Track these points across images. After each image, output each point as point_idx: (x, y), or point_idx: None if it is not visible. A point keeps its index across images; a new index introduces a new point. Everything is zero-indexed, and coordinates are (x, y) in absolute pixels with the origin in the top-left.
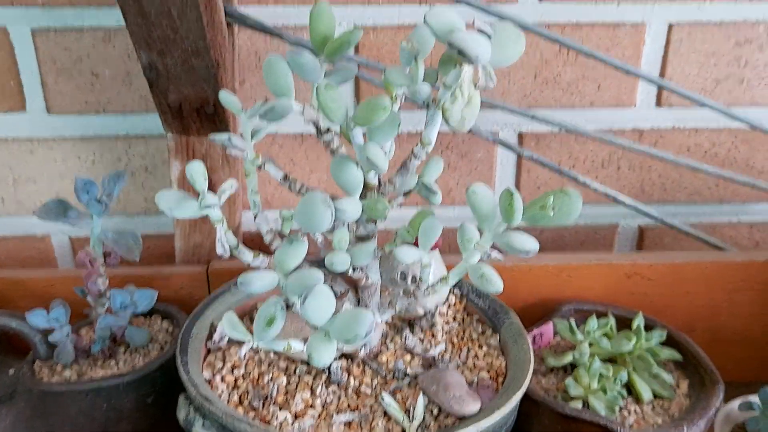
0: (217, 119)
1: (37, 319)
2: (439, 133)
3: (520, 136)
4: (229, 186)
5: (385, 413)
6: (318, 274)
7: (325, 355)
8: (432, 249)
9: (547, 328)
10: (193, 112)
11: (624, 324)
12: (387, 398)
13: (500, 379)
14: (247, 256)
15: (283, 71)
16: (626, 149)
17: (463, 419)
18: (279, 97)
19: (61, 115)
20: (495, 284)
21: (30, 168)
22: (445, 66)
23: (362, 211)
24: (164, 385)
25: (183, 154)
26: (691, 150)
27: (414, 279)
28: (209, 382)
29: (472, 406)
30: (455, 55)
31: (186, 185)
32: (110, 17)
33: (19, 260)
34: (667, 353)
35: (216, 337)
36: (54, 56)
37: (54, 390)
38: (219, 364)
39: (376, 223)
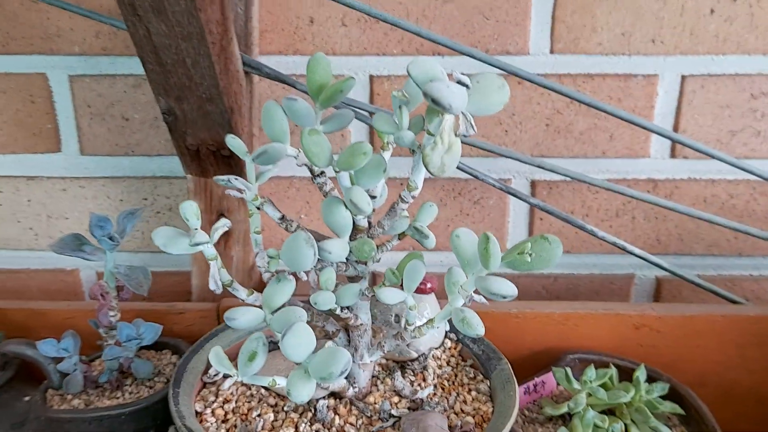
0: (232, 162)
1: (48, 348)
2: (452, 179)
3: (533, 184)
4: (221, 225)
5: None
6: (301, 313)
7: (303, 391)
8: (428, 292)
9: (550, 377)
10: (210, 155)
11: (628, 375)
12: None
13: (485, 425)
14: (241, 293)
15: (278, 117)
16: (636, 199)
17: None
18: (274, 141)
19: (93, 156)
20: (475, 328)
21: (62, 205)
22: (429, 114)
23: (350, 252)
24: (165, 418)
25: (201, 195)
26: (708, 201)
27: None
28: (200, 414)
29: None
30: (431, 104)
31: (203, 225)
32: (141, 66)
33: (49, 292)
34: (668, 407)
35: (211, 371)
36: (88, 101)
37: (60, 417)
38: (211, 398)
39: (366, 264)
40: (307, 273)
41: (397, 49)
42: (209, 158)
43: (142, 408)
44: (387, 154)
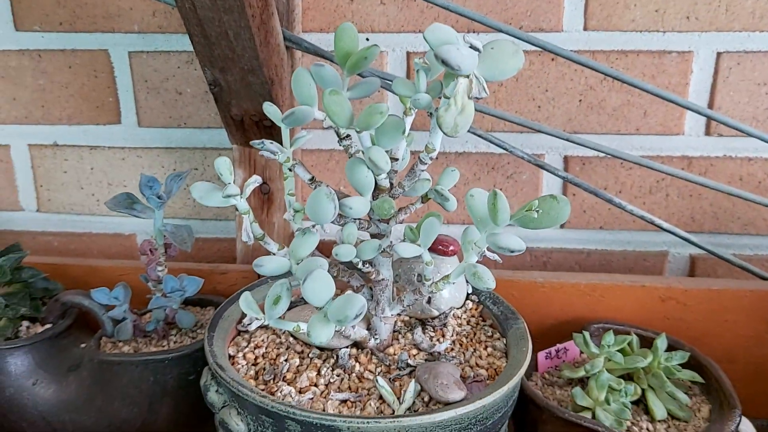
0: (274, 132)
1: (100, 296)
2: (485, 154)
3: (566, 160)
4: (253, 180)
5: (380, 396)
6: (322, 262)
7: (322, 333)
8: (450, 254)
9: (572, 344)
10: (254, 125)
11: (651, 345)
12: (381, 381)
13: (497, 378)
14: (272, 246)
15: (306, 82)
16: (670, 176)
17: (447, 405)
18: (303, 105)
19: (149, 128)
20: (486, 282)
21: (121, 173)
22: (446, 79)
23: (372, 210)
24: (205, 364)
25: (246, 165)
26: (744, 180)
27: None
28: (233, 357)
29: (456, 395)
30: (441, 65)
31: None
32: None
33: (108, 255)
34: (687, 374)
35: (246, 320)
36: (145, 76)
37: (109, 360)
38: (244, 344)
39: (388, 222)
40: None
41: None
42: (252, 128)
43: (184, 354)
44: (409, 119)
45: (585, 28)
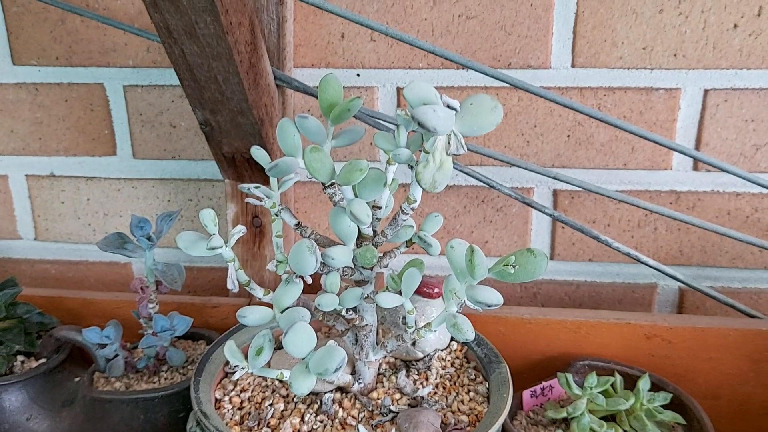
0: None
1: (92, 335)
2: (475, 187)
3: (555, 193)
4: (237, 231)
5: None
6: (304, 313)
7: (303, 384)
8: (435, 297)
9: (557, 382)
10: (245, 161)
11: (634, 384)
12: (362, 429)
13: (477, 425)
14: (258, 292)
15: (291, 133)
16: (653, 212)
17: None
18: (288, 155)
19: (144, 160)
20: (465, 333)
21: (117, 204)
22: (425, 134)
23: (355, 258)
24: None
25: (237, 199)
26: (732, 215)
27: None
28: (219, 401)
29: None
30: (417, 127)
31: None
32: None
33: (104, 283)
34: (669, 416)
35: (228, 367)
36: (140, 109)
37: (102, 398)
38: (230, 387)
39: (371, 269)
40: (316, 277)
41: (423, 62)
42: (244, 164)
43: (173, 393)
44: (392, 169)
45: (573, 65)
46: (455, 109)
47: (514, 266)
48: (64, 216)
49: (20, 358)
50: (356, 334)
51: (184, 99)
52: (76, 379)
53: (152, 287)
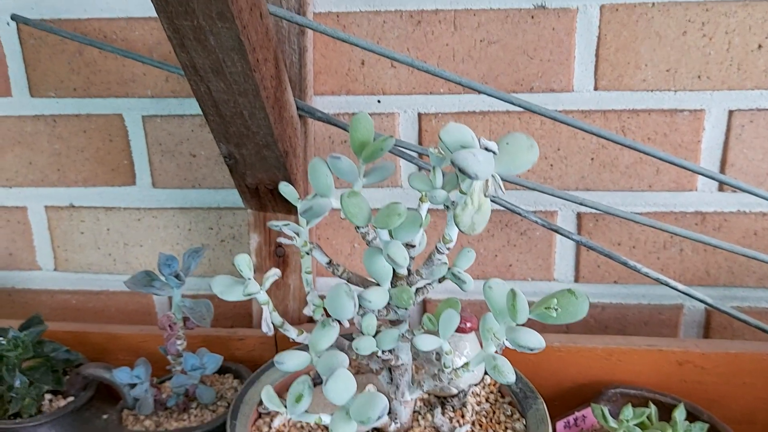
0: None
1: (122, 375)
2: (498, 211)
3: (579, 216)
4: (272, 274)
5: None
6: (342, 358)
7: (345, 431)
8: (468, 331)
9: (590, 411)
10: (268, 192)
11: (670, 412)
12: None
13: None
14: (292, 332)
15: (323, 173)
16: (677, 235)
17: None
18: (320, 195)
19: (164, 189)
20: (506, 376)
21: (137, 234)
22: (462, 174)
23: (390, 298)
24: None
25: (261, 228)
26: (759, 234)
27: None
28: None
29: None
30: (458, 173)
31: (262, 255)
32: None
33: (125, 312)
34: None
35: (262, 408)
36: (159, 139)
37: None
38: (265, 429)
39: (407, 309)
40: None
41: (444, 88)
42: (267, 195)
43: None
44: (425, 207)
45: (596, 88)
46: (494, 152)
47: (556, 309)
48: (84, 246)
49: (48, 396)
50: (391, 373)
51: (204, 128)
52: (105, 416)
53: (180, 323)
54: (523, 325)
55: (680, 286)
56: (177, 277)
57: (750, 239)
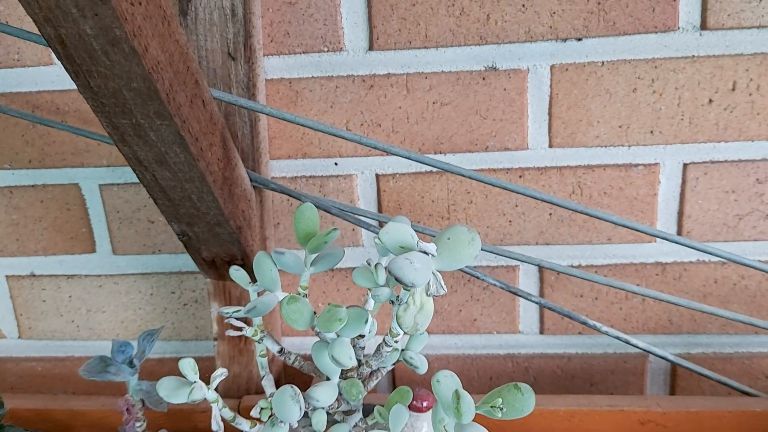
0: (247, 269)
1: None
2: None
3: (541, 270)
4: (219, 374)
5: None
6: None
7: None
8: (424, 410)
9: None
10: (225, 264)
11: None
12: None
13: None
14: (244, 426)
15: (268, 267)
16: (634, 293)
17: None
18: (266, 289)
19: (124, 256)
20: None
21: (99, 300)
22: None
23: (340, 391)
24: None
25: (221, 297)
26: (719, 282)
27: None
28: None
29: None
30: (395, 282)
31: (223, 324)
32: None
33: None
34: None
35: None
36: (117, 207)
37: None
38: None
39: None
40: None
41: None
42: (224, 267)
43: None
44: (371, 301)
45: (550, 146)
46: (432, 254)
47: (501, 408)
48: (47, 314)
49: None
50: None
51: None
52: None
53: (138, 405)
54: None
55: (640, 344)
56: (131, 363)
57: (711, 287)
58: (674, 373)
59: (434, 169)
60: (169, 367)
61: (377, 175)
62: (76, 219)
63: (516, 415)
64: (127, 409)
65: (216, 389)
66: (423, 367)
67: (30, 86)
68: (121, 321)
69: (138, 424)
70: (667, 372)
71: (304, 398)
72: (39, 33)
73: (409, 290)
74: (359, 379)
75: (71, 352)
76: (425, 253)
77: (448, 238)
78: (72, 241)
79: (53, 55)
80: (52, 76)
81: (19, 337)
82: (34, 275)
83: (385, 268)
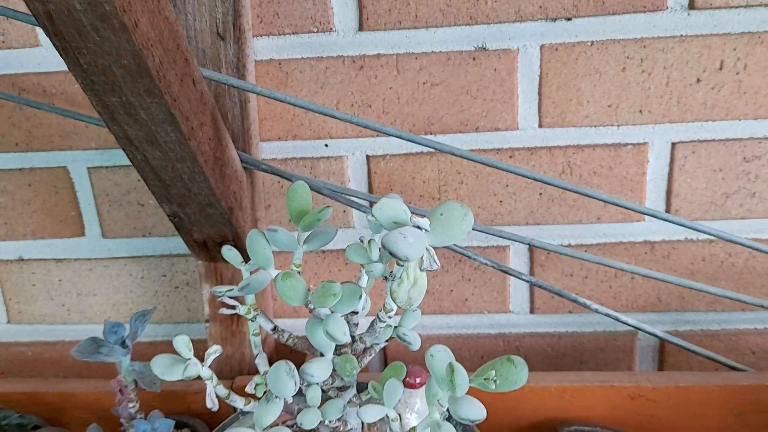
0: (239, 250)
1: None
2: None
3: (531, 249)
4: (213, 351)
5: None
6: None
7: None
8: (418, 387)
9: None
10: (216, 245)
11: None
12: None
13: None
14: (239, 403)
15: (261, 245)
16: (624, 270)
17: None
18: (260, 267)
19: (114, 239)
20: None
21: (90, 283)
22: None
23: (334, 367)
24: None
25: (212, 279)
26: (707, 260)
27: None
28: None
29: None
30: (389, 256)
31: (216, 305)
32: None
33: (83, 362)
34: None
35: None
36: (106, 190)
37: None
38: None
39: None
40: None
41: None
42: (215, 248)
43: None
44: (365, 277)
45: (540, 125)
46: (425, 229)
47: (495, 380)
48: (37, 298)
49: None
50: None
51: None
52: None
53: (131, 385)
54: None
55: (630, 321)
56: (123, 344)
57: (699, 265)
58: (663, 350)
59: (425, 150)
60: (160, 351)
61: (368, 156)
62: (65, 202)
63: (509, 387)
64: (120, 390)
65: (210, 367)
66: (416, 344)
67: (16, 68)
68: (113, 304)
69: (131, 405)
70: (656, 349)
71: (298, 374)
72: (26, 10)
73: (402, 265)
74: (353, 355)
75: (62, 337)
76: (419, 228)
77: (441, 214)
78: (61, 224)
79: (40, 36)
80: (38, 58)
81: (8, 322)
82: (23, 259)
83: (379, 244)
